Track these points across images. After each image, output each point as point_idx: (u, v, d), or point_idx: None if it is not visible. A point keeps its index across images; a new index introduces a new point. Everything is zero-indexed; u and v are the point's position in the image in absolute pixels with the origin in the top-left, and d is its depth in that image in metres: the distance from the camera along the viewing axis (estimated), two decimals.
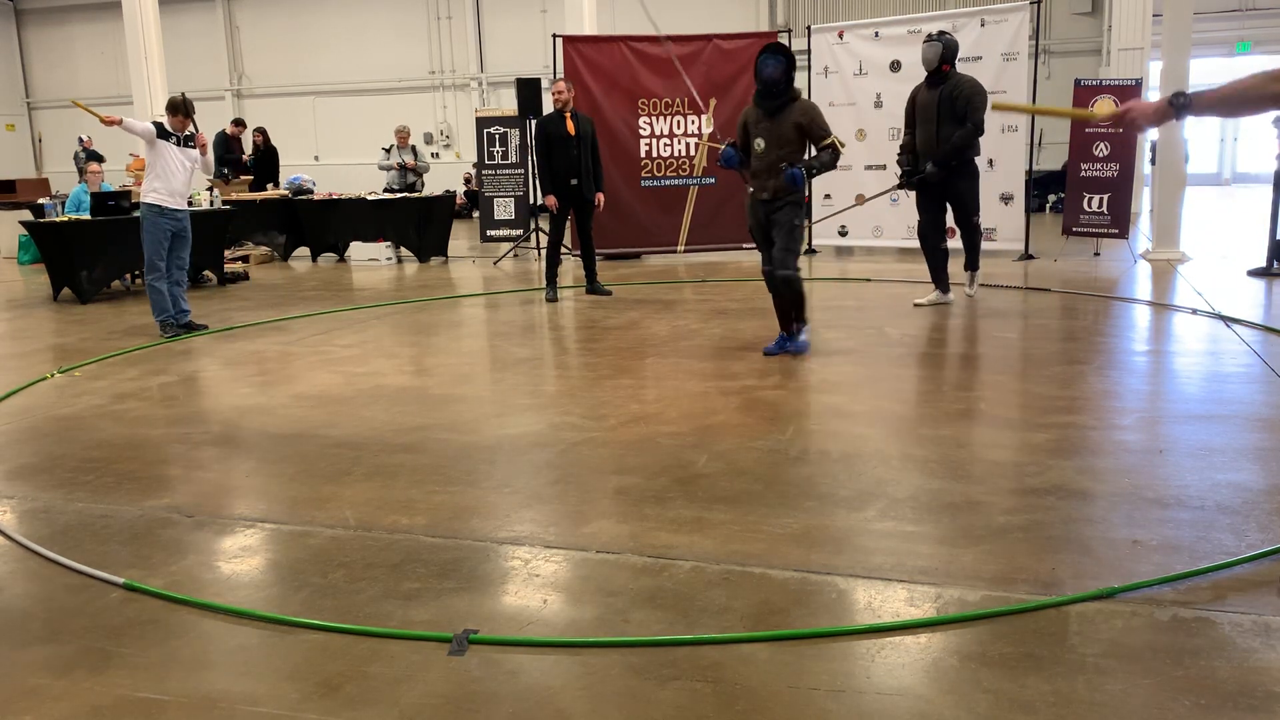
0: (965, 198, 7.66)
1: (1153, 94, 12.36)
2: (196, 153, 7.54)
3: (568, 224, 8.89)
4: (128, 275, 10.11)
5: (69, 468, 4.34)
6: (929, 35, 7.73)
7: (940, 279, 7.84)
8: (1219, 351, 5.98)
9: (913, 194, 7.99)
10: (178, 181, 7.42)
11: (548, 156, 8.53)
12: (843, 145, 6.05)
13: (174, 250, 7.53)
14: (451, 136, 23.33)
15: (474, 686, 2.46)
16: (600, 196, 8.77)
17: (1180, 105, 2.38)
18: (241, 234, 12.65)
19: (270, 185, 14.73)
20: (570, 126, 8.48)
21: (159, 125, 7.38)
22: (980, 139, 7.49)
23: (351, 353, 6.70)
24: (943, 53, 7.47)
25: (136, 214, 7.86)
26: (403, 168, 13.45)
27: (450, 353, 6.85)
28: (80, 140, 17.45)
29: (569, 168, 8.51)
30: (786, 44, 6.30)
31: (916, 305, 7.85)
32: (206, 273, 10.66)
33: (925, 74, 7.61)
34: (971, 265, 7.99)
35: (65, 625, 2.86)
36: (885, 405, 5.02)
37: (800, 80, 11.62)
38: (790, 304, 6.13)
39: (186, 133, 7.47)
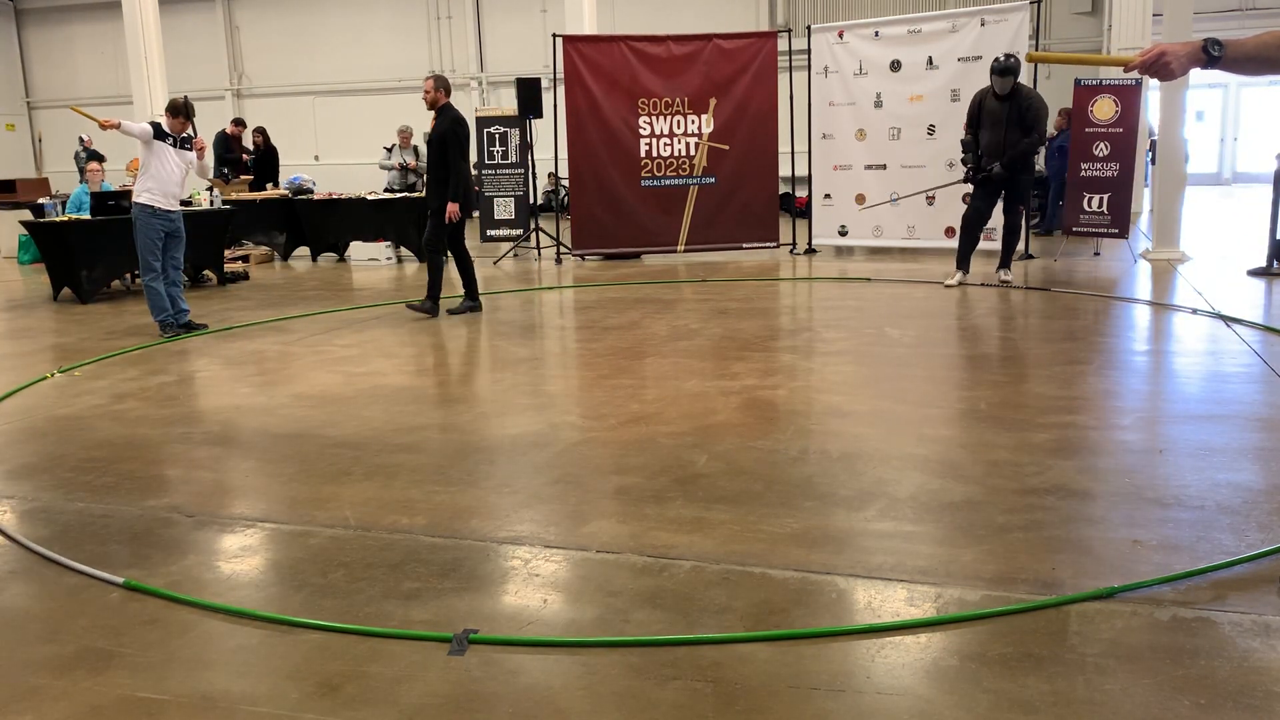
0: (1024, 190, 9.02)
1: (1152, 94, 12.35)
2: (192, 155, 7.53)
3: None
4: (128, 275, 10.10)
5: (69, 468, 4.33)
6: (1006, 64, 8.46)
7: (967, 262, 8.92)
8: (1219, 351, 5.98)
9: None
10: (172, 183, 7.42)
11: None
12: None
13: (168, 250, 7.53)
14: None
15: (474, 686, 2.46)
16: (451, 209, 7.71)
17: (1215, 55, 2.32)
18: (241, 234, 12.65)
19: (270, 185, 14.73)
20: (429, 127, 7.83)
21: (156, 126, 7.38)
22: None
23: (351, 353, 6.70)
24: (1015, 78, 8.53)
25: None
26: (404, 168, 13.45)
27: (450, 352, 6.86)
28: (81, 140, 17.43)
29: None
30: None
31: (947, 286, 8.77)
32: (206, 272, 10.66)
33: (992, 90, 8.59)
34: (1006, 263, 8.99)
35: (65, 625, 2.86)
36: (885, 405, 5.02)
37: (800, 80, 11.90)
38: None
39: (184, 135, 7.47)
